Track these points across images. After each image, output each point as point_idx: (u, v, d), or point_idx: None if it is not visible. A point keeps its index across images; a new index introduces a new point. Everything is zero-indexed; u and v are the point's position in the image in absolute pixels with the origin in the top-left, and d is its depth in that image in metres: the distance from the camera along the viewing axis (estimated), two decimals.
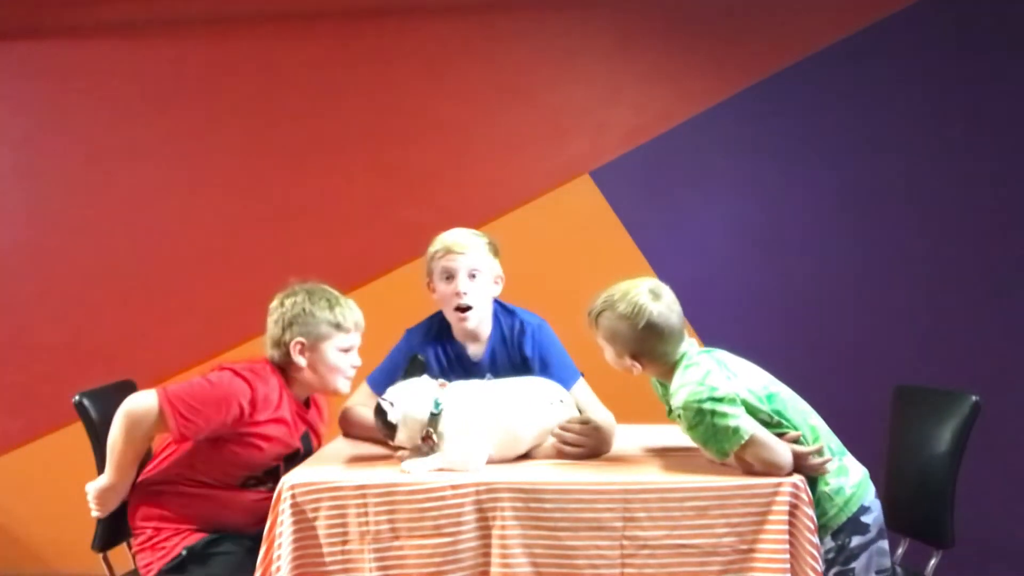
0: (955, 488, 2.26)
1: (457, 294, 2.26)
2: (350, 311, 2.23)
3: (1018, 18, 3.41)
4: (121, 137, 3.61)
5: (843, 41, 3.45)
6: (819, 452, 1.93)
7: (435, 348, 2.35)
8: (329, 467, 2.02)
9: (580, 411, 2.17)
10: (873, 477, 2.09)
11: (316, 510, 1.87)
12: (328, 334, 2.19)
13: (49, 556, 3.60)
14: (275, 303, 2.25)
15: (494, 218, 3.50)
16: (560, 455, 2.06)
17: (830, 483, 1.96)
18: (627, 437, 2.31)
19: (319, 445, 2.32)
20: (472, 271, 2.28)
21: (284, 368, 2.23)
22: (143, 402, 2.06)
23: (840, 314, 3.44)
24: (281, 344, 2.20)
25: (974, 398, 2.26)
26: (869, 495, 2.01)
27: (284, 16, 3.58)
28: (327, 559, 1.87)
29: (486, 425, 1.99)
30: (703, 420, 1.88)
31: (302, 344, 2.19)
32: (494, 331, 2.36)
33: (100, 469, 2.27)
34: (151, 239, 3.59)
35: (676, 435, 2.31)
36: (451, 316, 2.32)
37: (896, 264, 3.44)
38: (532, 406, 2.08)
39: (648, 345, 1.97)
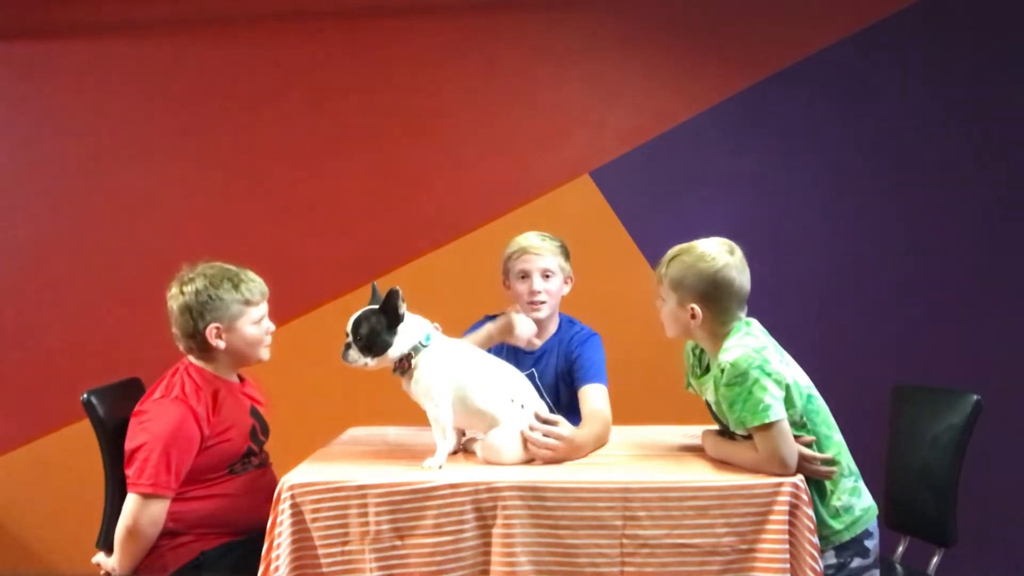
0: (957, 486, 2.27)
1: (532, 291, 2.44)
2: (254, 283, 2.28)
3: (1018, 18, 3.41)
4: (121, 137, 3.61)
5: (843, 41, 3.45)
6: (828, 462, 1.93)
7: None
8: (329, 467, 2.02)
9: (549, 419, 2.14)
10: (874, 476, 2.09)
11: (316, 510, 1.87)
12: (240, 312, 2.23)
13: (49, 556, 3.60)
14: (174, 291, 2.25)
15: (494, 218, 3.50)
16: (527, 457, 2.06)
17: (842, 499, 1.96)
18: (627, 437, 2.31)
19: (266, 410, 2.38)
20: (546, 271, 2.46)
21: (204, 356, 2.25)
22: (133, 511, 2.08)
23: (840, 313, 3.45)
24: (196, 334, 2.22)
25: (976, 397, 2.26)
26: (874, 523, 2.01)
27: (284, 16, 3.58)
28: (327, 559, 1.87)
29: (453, 377, 2.06)
30: (744, 383, 1.88)
31: (218, 328, 2.21)
32: (554, 336, 2.52)
33: (108, 470, 2.28)
34: (151, 239, 3.58)
35: (676, 435, 2.32)
36: (524, 309, 2.48)
37: (896, 263, 3.44)
38: (494, 390, 2.08)
39: (715, 293, 1.96)
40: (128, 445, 2.14)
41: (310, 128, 3.57)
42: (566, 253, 2.53)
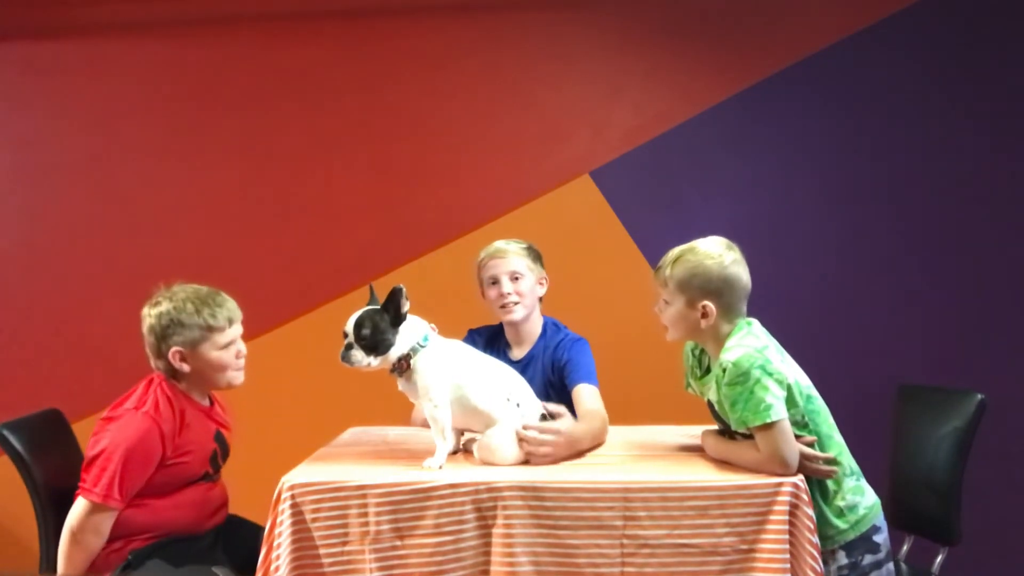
0: (961, 486, 2.27)
1: (501, 295, 2.47)
2: (220, 308, 2.23)
3: (1018, 18, 3.41)
4: (121, 137, 3.61)
5: (843, 41, 3.45)
6: (830, 462, 1.93)
7: (487, 348, 2.51)
8: (329, 467, 2.02)
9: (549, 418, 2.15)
10: (878, 475, 2.09)
11: (316, 510, 1.87)
12: (203, 337, 2.20)
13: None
14: (144, 312, 2.24)
15: (494, 218, 3.50)
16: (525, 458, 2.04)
17: (846, 499, 1.96)
18: (627, 437, 2.31)
19: (230, 435, 2.37)
20: (514, 274, 2.47)
21: (174, 376, 2.24)
22: (80, 516, 2.08)
23: (842, 313, 3.44)
24: (161, 356, 2.21)
25: (979, 396, 2.27)
26: (880, 518, 2.02)
27: (284, 16, 3.58)
28: (327, 559, 1.87)
29: (451, 377, 2.06)
30: (746, 382, 1.88)
31: (180, 352, 2.20)
32: (539, 341, 2.53)
33: (36, 502, 2.29)
34: (151, 239, 3.58)
35: (676, 435, 2.32)
36: (498, 314, 2.51)
37: (898, 262, 3.44)
38: (491, 389, 2.08)
39: (725, 290, 1.97)
40: (90, 450, 2.12)
41: (309, 128, 3.57)
42: (535, 255, 2.54)
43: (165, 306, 2.21)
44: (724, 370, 1.92)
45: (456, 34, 3.56)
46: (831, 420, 2.01)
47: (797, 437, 1.90)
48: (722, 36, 3.51)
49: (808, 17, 3.48)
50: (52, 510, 2.27)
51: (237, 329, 2.27)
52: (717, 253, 2.00)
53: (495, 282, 2.49)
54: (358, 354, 2.03)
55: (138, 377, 2.26)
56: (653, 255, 3.45)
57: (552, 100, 3.56)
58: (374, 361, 2.04)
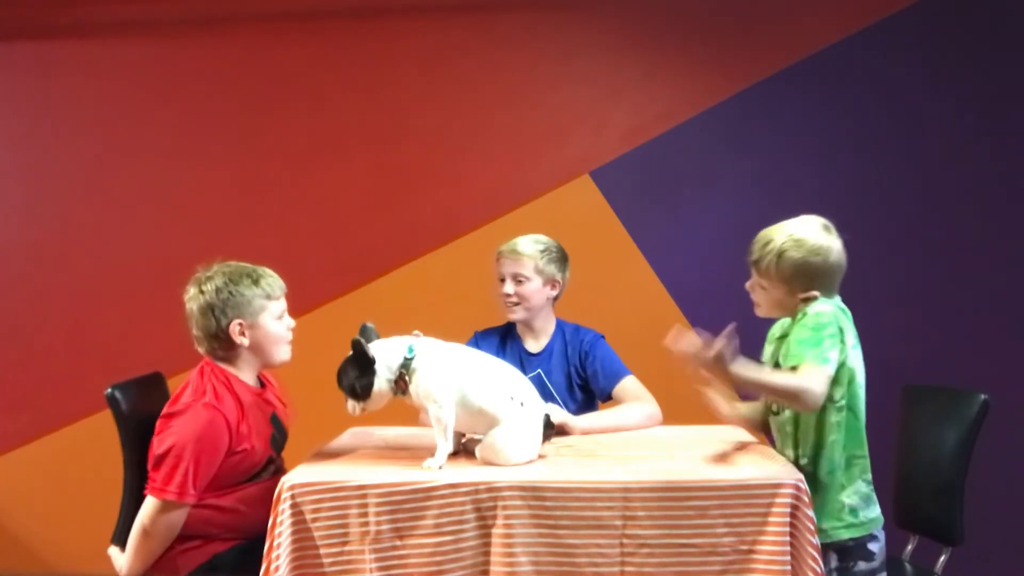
0: (964, 486, 2.28)
1: (504, 294, 2.56)
2: (273, 278, 2.26)
3: (1019, 18, 3.41)
4: (121, 136, 3.61)
5: (843, 41, 3.45)
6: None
7: (498, 343, 2.62)
8: (329, 467, 2.02)
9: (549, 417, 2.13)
10: (882, 476, 2.09)
11: (316, 510, 1.87)
12: (263, 307, 2.21)
13: (49, 556, 3.60)
14: (192, 293, 2.22)
15: (494, 218, 3.50)
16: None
17: (852, 499, 1.98)
18: (627, 437, 2.32)
19: (286, 416, 2.36)
20: (517, 276, 2.53)
21: (226, 358, 2.23)
22: (152, 514, 2.08)
23: None
24: (219, 332, 2.19)
25: (983, 397, 2.28)
26: (879, 528, 2.02)
27: (284, 16, 3.58)
28: (327, 559, 1.87)
29: (452, 376, 2.04)
30: (820, 330, 1.93)
31: (241, 324, 2.19)
32: (556, 334, 2.62)
33: (128, 467, 2.26)
34: (151, 239, 3.59)
35: (677, 435, 2.32)
36: (502, 309, 2.60)
37: (902, 263, 3.43)
38: (492, 388, 2.06)
39: (831, 275, 2.06)
40: (156, 448, 2.11)
41: (310, 128, 3.57)
42: (551, 256, 2.56)
43: (220, 280, 2.20)
44: (805, 314, 1.97)
45: (456, 34, 3.56)
46: (865, 420, 2.03)
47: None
48: (722, 36, 3.51)
49: (808, 17, 3.48)
50: (137, 478, 2.24)
51: (284, 301, 2.28)
52: (822, 249, 2.06)
53: (502, 280, 2.57)
54: (350, 403, 2.06)
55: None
56: (653, 255, 3.49)
57: (552, 100, 3.56)
58: (368, 404, 2.04)
